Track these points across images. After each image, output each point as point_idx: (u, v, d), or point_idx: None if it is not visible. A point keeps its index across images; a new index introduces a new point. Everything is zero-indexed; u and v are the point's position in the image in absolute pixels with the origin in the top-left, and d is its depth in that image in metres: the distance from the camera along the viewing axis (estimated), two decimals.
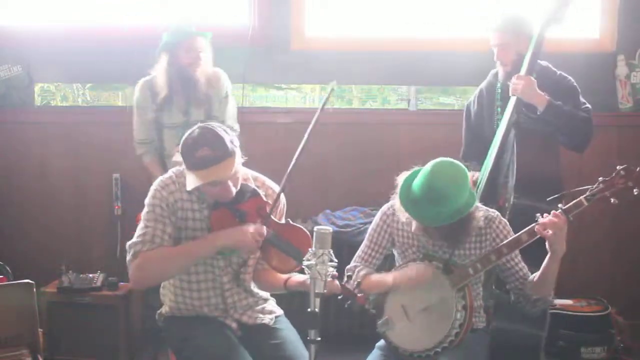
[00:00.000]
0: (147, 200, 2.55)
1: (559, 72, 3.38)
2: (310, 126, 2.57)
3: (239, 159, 2.49)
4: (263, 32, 4.14)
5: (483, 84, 3.56)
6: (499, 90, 3.43)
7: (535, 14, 3.37)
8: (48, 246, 4.39)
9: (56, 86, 4.41)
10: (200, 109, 3.71)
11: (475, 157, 3.43)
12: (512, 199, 3.10)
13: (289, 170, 2.54)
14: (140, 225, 2.53)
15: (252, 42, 3.82)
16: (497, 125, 3.34)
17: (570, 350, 3.77)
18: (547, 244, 2.57)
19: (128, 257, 2.49)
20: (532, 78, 3.19)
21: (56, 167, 4.43)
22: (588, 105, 3.33)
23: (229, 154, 2.43)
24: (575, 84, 3.35)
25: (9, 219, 4.43)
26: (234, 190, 2.49)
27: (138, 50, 4.32)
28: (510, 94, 3.23)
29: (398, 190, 2.64)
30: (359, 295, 2.45)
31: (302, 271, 2.46)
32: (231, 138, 2.47)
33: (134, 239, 2.50)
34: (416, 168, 2.65)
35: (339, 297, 2.44)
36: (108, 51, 4.34)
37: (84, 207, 4.42)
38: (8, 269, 3.81)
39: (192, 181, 2.43)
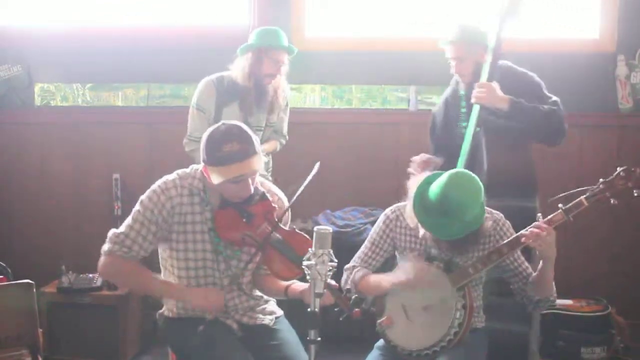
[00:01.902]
0: (143, 197, 2.54)
1: (520, 70, 3.36)
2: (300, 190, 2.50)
3: (262, 157, 2.51)
4: None
5: (447, 93, 3.55)
6: (463, 100, 3.42)
7: (489, 18, 3.34)
8: (48, 246, 4.39)
9: (56, 86, 4.41)
10: (262, 116, 3.70)
11: (446, 167, 3.39)
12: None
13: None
14: (128, 221, 2.53)
15: None
16: (463, 133, 3.33)
17: (570, 351, 3.76)
18: (537, 251, 2.58)
19: (104, 247, 2.52)
20: (493, 84, 3.19)
21: (56, 167, 4.43)
22: (555, 98, 3.30)
23: (255, 150, 2.44)
24: (537, 79, 3.34)
25: (9, 219, 4.44)
26: (252, 189, 2.50)
27: (138, 50, 4.34)
28: (472, 102, 3.22)
29: (412, 195, 2.63)
30: (355, 310, 2.43)
31: (303, 279, 2.46)
32: (255, 137, 2.48)
33: (115, 235, 2.51)
34: (429, 174, 2.65)
35: (335, 310, 2.44)
36: (108, 51, 4.35)
37: (84, 207, 4.42)
38: (8, 269, 3.81)
39: (217, 176, 2.42)
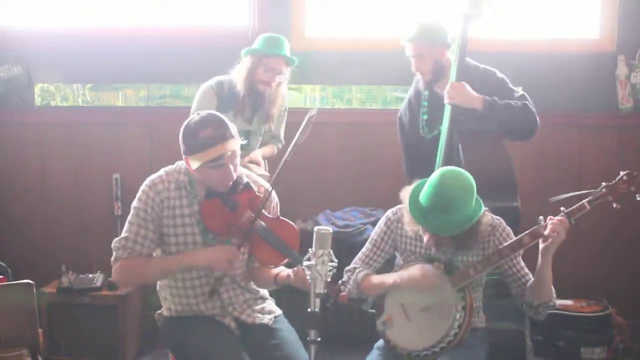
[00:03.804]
0: (134, 203, 2.60)
1: (482, 67, 3.37)
2: (292, 145, 2.55)
3: (239, 140, 2.55)
4: (263, 33, 4.14)
5: (410, 93, 3.57)
6: (426, 98, 3.44)
7: (451, 16, 3.36)
8: (48, 246, 4.39)
9: (56, 86, 4.41)
10: (260, 123, 3.71)
11: (416, 166, 3.40)
12: None
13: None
14: (126, 226, 2.59)
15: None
16: (426, 133, 3.38)
17: (570, 351, 3.76)
18: (540, 247, 2.58)
19: (112, 258, 2.58)
20: (464, 83, 3.20)
21: (56, 167, 4.43)
22: (521, 92, 3.31)
23: (231, 135, 2.49)
24: (500, 75, 3.35)
25: (9, 219, 4.43)
26: (234, 175, 2.53)
27: (138, 50, 4.34)
28: (445, 102, 3.23)
29: (407, 204, 2.64)
30: (342, 294, 2.44)
31: (288, 265, 2.56)
32: (231, 124, 2.53)
33: (117, 242, 2.57)
34: (419, 181, 2.66)
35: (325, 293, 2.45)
36: (108, 51, 4.35)
37: (84, 208, 4.42)
38: (8, 269, 3.81)
39: (196, 162, 2.47)
